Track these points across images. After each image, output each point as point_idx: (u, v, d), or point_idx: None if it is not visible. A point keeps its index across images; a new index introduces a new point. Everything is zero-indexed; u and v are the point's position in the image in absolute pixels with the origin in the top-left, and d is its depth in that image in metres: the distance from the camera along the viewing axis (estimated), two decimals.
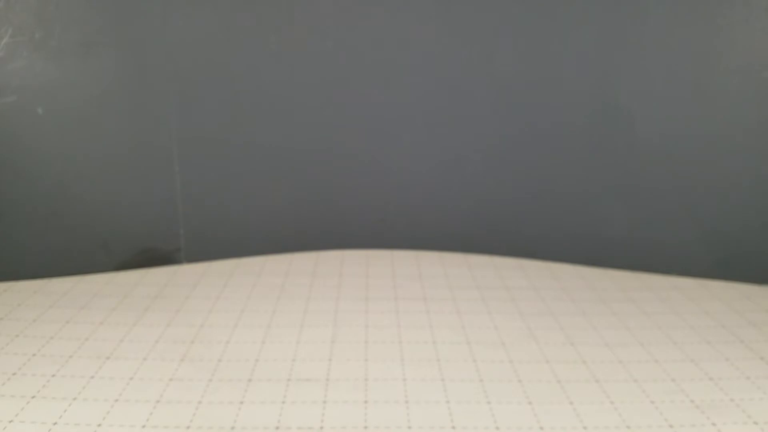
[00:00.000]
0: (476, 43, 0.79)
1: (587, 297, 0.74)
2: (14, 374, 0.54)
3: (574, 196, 0.83)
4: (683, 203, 0.79)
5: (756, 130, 0.74)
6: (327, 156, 0.83)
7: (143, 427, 0.47)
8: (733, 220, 0.77)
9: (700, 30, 0.74)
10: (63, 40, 0.71)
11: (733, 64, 0.73)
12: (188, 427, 0.48)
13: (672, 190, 0.79)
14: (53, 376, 0.54)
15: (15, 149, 0.73)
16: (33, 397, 0.51)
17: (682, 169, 0.78)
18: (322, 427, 0.48)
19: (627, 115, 0.78)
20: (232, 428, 0.48)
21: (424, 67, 0.81)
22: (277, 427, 0.48)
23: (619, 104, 0.78)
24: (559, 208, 0.83)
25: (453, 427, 0.49)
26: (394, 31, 0.80)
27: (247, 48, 0.78)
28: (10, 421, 0.47)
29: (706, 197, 0.78)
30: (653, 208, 0.80)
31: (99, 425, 0.47)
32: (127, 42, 0.74)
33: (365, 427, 0.48)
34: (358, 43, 0.80)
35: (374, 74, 0.81)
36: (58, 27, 0.70)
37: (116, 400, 0.51)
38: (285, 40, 0.79)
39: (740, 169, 0.76)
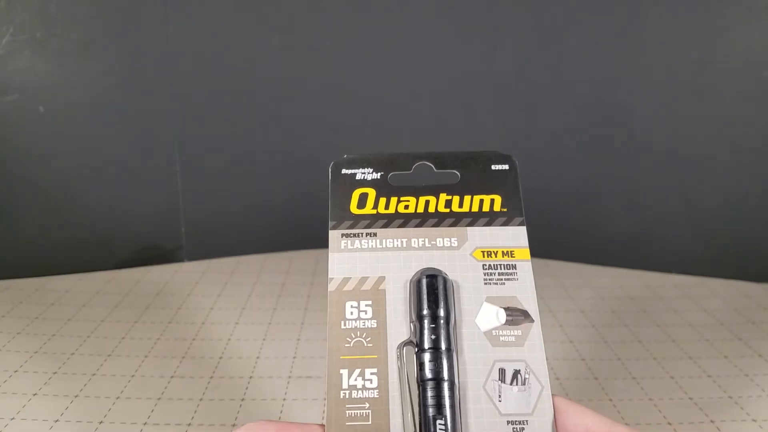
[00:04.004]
0: (476, 43, 0.80)
1: (586, 295, 0.74)
2: (16, 372, 0.54)
3: (573, 195, 0.83)
4: (682, 201, 0.79)
5: (756, 130, 0.74)
6: (328, 154, 0.83)
7: (144, 424, 0.48)
8: (733, 218, 0.78)
9: (700, 30, 0.74)
10: (64, 39, 0.71)
11: (733, 64, 0.73)
12: (189, 424, 0.48)
13: (671, 188, 0.79)
14: (55, 373, 0.54)
15: (16, 147, 0.73)
16: (35, 394, 0.51)
17: (681, 167, 0.78)
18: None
19: (626, 114, 0.78)
20: (234, 425, 0.48)
21: (424, 66, 0.81)
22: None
23: (618, 103, 0.78)
24: (559, 206, 0.84)
25: None
26: (394, 32, 0.80)
27: (248, 48, 0.78)
28: (12, 419, 0.47)
29: (706, 195, 0.78)
30: (652, 206, 0.80)
31: (101, 422, 0.48)
32: (129, 41, 0.74)
33: None
34: (359, 44, 0.80)
35: (375, 74, 0.81)
36: (60, 26, 0.71)
37: (117, 398, 0.51)
38: (286, 40, 0.79)
39: (740, 168, 0.76)
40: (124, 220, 0.79)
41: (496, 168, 0.32)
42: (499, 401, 0.27)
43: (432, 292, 0.28)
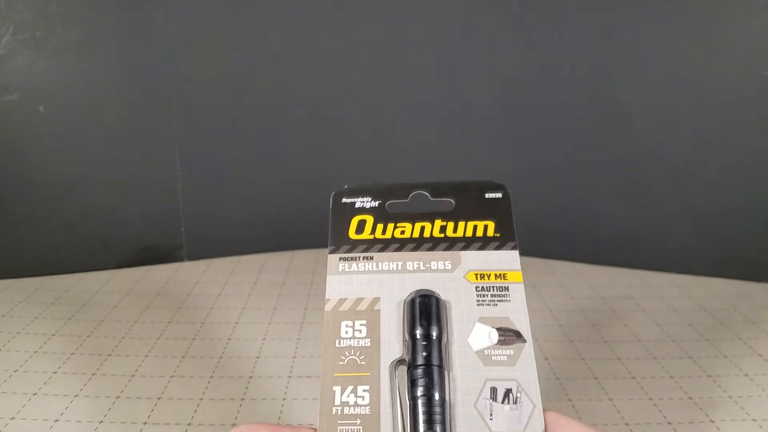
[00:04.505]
0: (475, 42, 0.80)
1: (585, 294, 0.74)
2: (16, 371, 0.54)
3: (573, 194, 0.83)
4: (682, 201, 0.79)
5: (756, 129, 0.74)
6: (328, 154, 0.83)
7: (145, 423, 0.48)
8: (733, 217, 0.78)
9: (700, 29, 0.74)
10: (64, 38, 0.71)
11: (733, 63, 0.73)
12: (189, 424, 0.48)
13: (671, 187, 0.79)
14: (55, 373, 0.54)
15: (16, 147, 0.73)
16: (35, 394, 0.51)
17: (681, 166, 0.78)
18: None
19: (626, 113, 0.78)
20: (234, 425, 0.48)
21: (424, 66, 0.81)
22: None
23: (618, 103, 0.78)
24: (558, 205, 0.84)
25: None
26: (395, 31, 0.80)
27: (248, 47, 0.78)
28: (12, 419, 0.47)
29: (706, 195, 0.78)
30: (652, 205, 0.80)
31: (100, 422, 0.48)
32: (129, 41, 0.74)
33: None
34: (360, 43, 0.80)
35: (375, 74, 0.81)
36: (60, 25, 0.71)
37: (117, 397, 0.51)
38: (286, 40, 0.79)
39: (740, 167, 0.76)
40: (124, 220, 0.79)
41: (490, 196, 0.34)
42: (490, 419, 0.27)
43: (425, 312, 0.29)
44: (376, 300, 0.30)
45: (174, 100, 0.78)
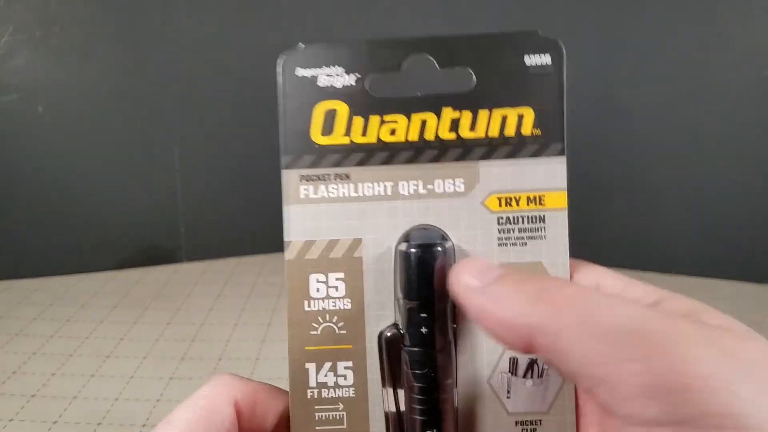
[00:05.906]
0: None
1: None
2: (14, 373, 0.54)
3: (574, 195, 0.83)
4: (683, 201, 0.79)
5: (756, 129, 0.74)
6: None
7: (143, 426, 0.48)
8: (734, 218, 0.77)
9: (701, 29, 0.73)
10: (63, 38, 0.71)
11: (733, 64, 0.73)
12: None
13: (672, 188, 0.79)
14: (53, 374, 0.54)
15: (16, 147, 0.73)
16: (33, 395, 0.51)
17: (682, 167, 0.78)
18: None
19: (627, 114, 0.78)
20: None
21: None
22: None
23: (619, 103, 0.78)
24: None
25: None
26: (394, 31, 0.80)
27: (247, 47, 0.78)
28: (11, 420, 0.47)
29: (707, 196, 0.78)
30: (653, 206, 0.80)
31: (99, 424, 0.48)
32: (128, 41, 0.74)
33: None
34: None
35: None
36: (59, 26, 0.70)
37: (116, 399, 0.51)
38: (285, 39, 0.79)
39: (740, 168, 0.76)
40: (124, 220, 0.79)
41: (532, 62, 0.21)
42: (507, 398, 0.22)
43: (424, 271, 0.21)
44: (357, 243, 0.22)
45: (174, 100, 0.78)
